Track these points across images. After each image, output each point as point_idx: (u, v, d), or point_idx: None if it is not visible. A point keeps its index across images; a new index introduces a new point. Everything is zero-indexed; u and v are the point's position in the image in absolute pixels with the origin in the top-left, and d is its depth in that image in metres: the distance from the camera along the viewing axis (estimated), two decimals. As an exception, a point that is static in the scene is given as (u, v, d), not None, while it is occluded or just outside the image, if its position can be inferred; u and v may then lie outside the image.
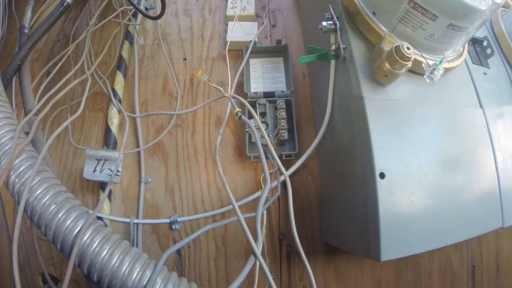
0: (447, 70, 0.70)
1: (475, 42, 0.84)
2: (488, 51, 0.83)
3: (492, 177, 0.71)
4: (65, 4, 0.91)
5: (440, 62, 0.63)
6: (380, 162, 0.61)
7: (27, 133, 0.74)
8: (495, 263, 0.97)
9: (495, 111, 0.76)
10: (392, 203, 0.60)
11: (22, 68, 0.84)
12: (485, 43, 0.84)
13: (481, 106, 0.74)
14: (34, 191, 0.65)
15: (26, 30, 0.89)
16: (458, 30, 0.64)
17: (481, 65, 0.81)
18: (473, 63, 0.80)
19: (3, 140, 0.66)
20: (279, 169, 0.74)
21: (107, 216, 0.85)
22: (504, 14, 0.89)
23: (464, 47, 0.76)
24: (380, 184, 0.60)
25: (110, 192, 0.90)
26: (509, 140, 0.76)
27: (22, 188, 0.65)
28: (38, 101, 0.81)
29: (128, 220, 0.85)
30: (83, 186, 0.92)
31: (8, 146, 0.66)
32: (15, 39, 1.05)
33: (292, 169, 0.76)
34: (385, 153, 0.62)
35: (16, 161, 0.67)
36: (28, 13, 0.92)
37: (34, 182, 0.65)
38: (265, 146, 0.75)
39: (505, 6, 0.92)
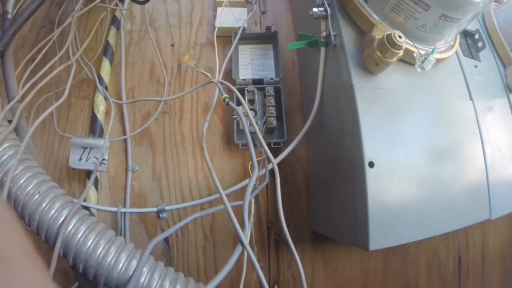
0: (438, 61, 0.69)
1: (466, 34, 0.84)
2: (480, 44, 0.83)
3: (481, 169, 0.71)
4: (50, -12, 0.89)
5: (432, 52, 0.63)
6: (369, 151, 0.61)
7: (10, 122, 0.72)
8: (481, 254, 0.98)
9: (484, 104, 0.76)
10: (380, 192, 0.60)
11: (5, 54, 0.82)
12: (476, 36, 0.84)
13: (471, 99, 0.75)
14: (17, 180, 0.64)
15: (9, 16, 0.86)
16: (450, 21, 0.63)
17: (472, 57, 0.81)
18: (464, 55, 0.80)
19: (-16, 128, 0.65)
20: (267, 157, 0.73)
21: (94, 206, 0.84)
22: (497, 8, 0.89)
23: (455, 39, 0.75)
24: (369, 173, 0.60)
25: (97, 181, 0.88)
26: (497, 133, 0.76)
27: (5, 177, 0.63)
28: (22, 88, 0.79)
29: (115, 209, 0.84)
30: (70, 175, 0.90)
31: (-10, 134, 0.64)
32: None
33: (280, 157, 0.75)
34: (375, 142, 0.61)
35: (-1, 150, 0.66)
36: (12, -2, 0.89)
37: (17, 172, 0.64)
38: (253, 133, 0.74)
39: (498, 1, 0.92)
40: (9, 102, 0.77)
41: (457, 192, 0.67)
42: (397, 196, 0.61)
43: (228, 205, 0.62)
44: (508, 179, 0.76)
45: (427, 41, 0.68)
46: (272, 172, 0.72)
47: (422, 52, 0.64)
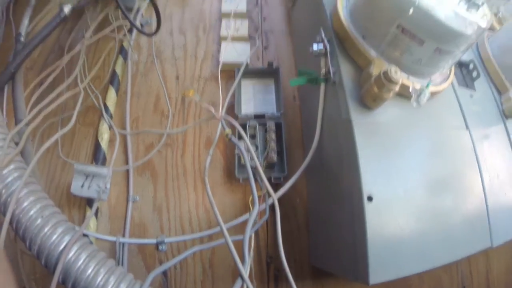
0: (434, 93, 0.71)
1: (461, 65, 0.86)
2: (474, 73, 0.84)
3: (480, 197, 0.72)
4: (62, 15, 0.92)
5: (427, 86, 0.64)
6: (368, 185, 0.62)
7: (16, 143, 0.73)
8: (485, 282, 0.98)
9: (481, 133, 0.77)
10: (380, 225, 0.61)
11: (15, 76, 0.84)
12: (471, 66, 0.85)
13: (467, 128, 0.76)
14: (21, 203, 0.64)
15: (22, 38, 0.89)
16: (444, 54, 0.66)
17: (467, 87, 0.83)
18: (459, 85, 0.81)
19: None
20: (267, 191, 0.74)
21: (93, 234, 0.84)
22: (490, 37, 0.91)
23: (450, 70, 0.77)
24: (368, 207, 0.61)
25: (97, 209, 0.89)
26: (495, 160, 0.77)
27: (9, 199, 0.64)
28: (30, 111, 0.81)
29: (114, 238, 0.84)
30: (70, 201, 0.91)
31: (-4, 154, 0.65)
32: (11, 46, 1.04)
33: (281, 191, 0.77)
34: (373, 176, 0.63)
35: (4, 171, 0.67)
36: (25, 21, 0.92)
37: (22, 194, 0.65)
38: (254, 168, 0.75)
39: (491, 29, 0.94)
40: (16, 122, 0.79)
41: (456, 222, 0.68)
42: (396, 229, 0.62)
43: (229, 239, 0.62)
44: (508, 205, 0.76)
45: (422, 74, 0.70)
46: (272, 207, 0.73)
47: (417, 87, 0.65)
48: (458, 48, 0.65)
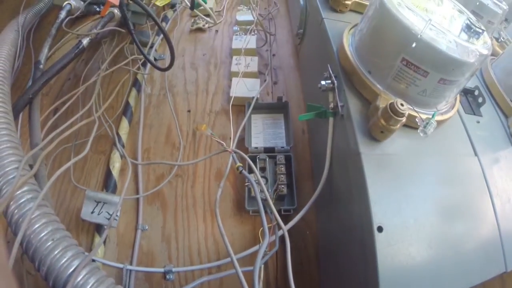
0: (440, 122, 0.72)
1: (466, 92, 0.87)
2: (480, 99, 0.85)
3: (491, 222, 0.70)
4: (80, 46, 0.96)
5: (433, 116, 0.65)
6: (378, 216, 0.61)
7: (30, 166, 0.74)
8: None
9: (490, 158, 0.77)
10: (391, 255, 0.60)
11: (33, 102, 0.86)
12: (476, 93, 0.86)
13: (476, 154, 0.75)
14: (32, 224, 0.65)
15: (41, 66, 0.91)
16: (449, 84, 0.67)
17: (474, 114, 0.83)
18: (466, 113, 0.82)
19: (8, 169, 0.67)
20: (277, 223, 0.75)
21: (101, 260, 0.84)
22: (493, 62, 0.92)
23: (456, 99, 0.78)
24: (378, 237, 0.60)
25: (106, 235, 0.89)
26: (505, 184, 0.76)
27: (20, 219, 0.64)
28: (45, 136, 0.82)
29: (121, 265, 0.84)
30: (78, 225, 0.91)
31: (12, 176, 0.67)
32: (28, 70, 1.08)
33: (291, 223, 0.77)
34: (383, 207, 0.62)
35: (18, 192, 0.67)
36: (45, 50, 0.95)
37: (34, 216, 0.65)
38: (264, 200, 0.76)
39: (493, 54, 0.95)
40: (31, 146, 0.80)
41: (469, 248, 0.66)
42: (408, 259, 0.61)
43: (239, 270, 0.62)
44: (521, 228, 0.75)
45: (428, 105, 0.71)
46: (282, 238, 0.74)
47: (424, 117, 0.66)
48: (462, 76, 0.67)
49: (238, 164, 0.81)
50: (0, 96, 0.80)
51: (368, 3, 0.92)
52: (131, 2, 1.10)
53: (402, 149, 0.70)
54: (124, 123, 1.07)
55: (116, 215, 0.83)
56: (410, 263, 0.61)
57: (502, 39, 1.00)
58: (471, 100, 0.86)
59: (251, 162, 0.81)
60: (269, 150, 1.01)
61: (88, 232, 0.91)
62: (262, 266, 0.82)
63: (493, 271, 0.68)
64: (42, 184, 0.75)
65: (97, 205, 0.85)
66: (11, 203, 0.65)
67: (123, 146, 1.02)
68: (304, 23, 1.20)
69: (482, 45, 0.66)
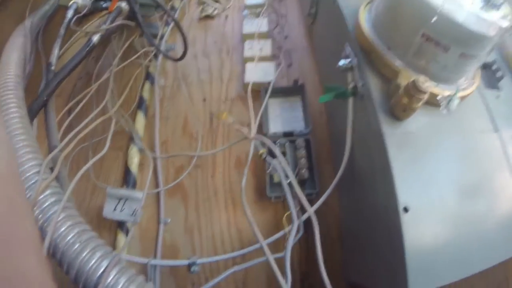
0: (461, 98, 0.69)
1: (485, 66, 0.83)
2: (498, 74, 0.82)
3: None
4: (91, 44, 0.95)
5: (456, 92, 0.63)
6: (403, 196, 0.60)
7: (51, 168, 0.75)
8: None
9: (510, 133, 0.74)
10: (417, 236, 0.59)
11: (48, 104, 0.86)
12: (494, 67, 0.83)
13: (496, 130, 0.73)
14: (58, 228, 0.64)
15: (53, 67, 0.91)
16: (470, 59, 0.65)
17: (493, 88, 0.80)
18: (485, 87, 0.79)
19: (28, 174, 0.67)
20: (304, 206, 0.73)
21: (125, 256, 0.84)
22: (510, 34, 0.89)
23: (475, 74, 0.75)
24: (404, 218, 0.59)
25: (128, 231, 0.89)
26: None
27: (45, 223, 0.64)
28: (61, 137, 0.82)
29: (145, 260, 0.84)
30: (100, 223, 0.91)
31: (33, 181, 0.66)
32: (38, 74, 1.08)
33: (317, 205, 0.75)
34: (407, 187, 0.61)
35: (41, 196, 0.67)
36: (56, 51, 0.94)
37: (59, 219, 0.65)
38: (289, 185, 0.75)
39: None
40: (49, 149, 0.80)
41: (491, 226, 0.65)
42: (433, 238, 0.60)
43: (271, 257, 0.62)
44: (544, 202, 0.73)
45: (449, 81, 0.69)
46: (305, 223, 0.73)
47: (446, 94, 0.65)
48: (482, 50, 0.65)
49: (262, 150, 0.80)
50: (15, 101, 0.80)
51: None
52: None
53: (423, 127, 0.68)
54: (140, 117, 1.07)
55: (140, 211, 0.83)
56: (436, 242, 0.60)
57: None
58: (490, 74, 0.83)
59: (274, 147, 0.79)
60: (287, 135, 0.99)
61: (110, 229, 0.92)
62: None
63: (515, 248, 0.67)
64: (64, 186, 0.75)
65: (119, 202, 0.85)
66: (35, 208, 0.65)
67: (140, 140, 1.02)
68: (315, 2, 1.16)
69: (503, 18, 0.63)
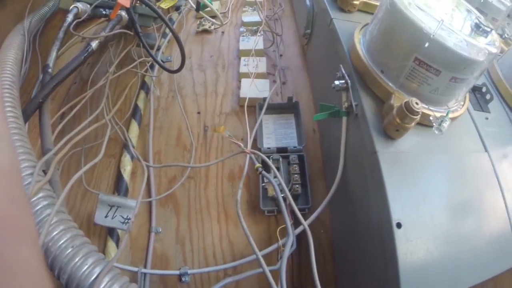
0: (451, 119, 0.72)
1: (474, 89, 0.88)
2: (488, 96, 0.86)
3: (503, 217, 0.71)
4: (89, 49, 0.95)
5: (447, 114, 0.66)
6: (396, 212, 0.62)
7: (44, 171, 0.74)
8: None
9: (499, 153, 0.78)
10: (410, 251, 0.60)
11: (43, 106, 0.85)
12: (484, 89, 0.87)
13: (486, 150, 0.76)
14: (50, 231, 0.64)
15: (50, 69, 0.91)
16: (460, 82, 0.68)
17: (482, 110, 0.84)
18: (474, 109, 0.83)
19: (22, 175, 0.66)
20: (294, 222, 0.74)
21: (115, 264, 0.83)
22: (499, 58, 0.93)
23: (465, 96, 0.79)
24: (398, 233, 0.60)
25: (118, 239, 0.89)
26: None
27: (37, 226, 0.64)
28: (55, 140, 0.82)
29: (136, 269, 0.83)
30: (90, 229, 0.91)
31: (26, 182, 0.66)
32: (34, 75, 1.07)
33: (310, 219, 0.77)
34: (400, 204, 0.63)
35: (34, 199, 0.66)
36: (53, 53, 0.94)
37: (52, 222, 0.64)
38: (283, 199, 0.76)
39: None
40: (43, 151, 0.79)
41: (482, 243, 0.67)
42: (426, 254, 0.62)
43: (266, 269, 0.62)
44: (532, 221, 0.76)
45: (440, 103, 0.72)
46: (298, 236, 0.74)
47: (438, 115, 0.67)
48: (472, 74, 0.68)
49: (258, 164, 0.82)
50: (10, 101, 0.79)
51: (376, 3, 0.94)
52: (138, 4, 1.10)
53: (415, 147, 0.71)
54: (134, 126, 1.07)
55: (130, 219, 0.83)
56: (428, 258, 0.62)
57: (506, 36, 1.01)
58: (479, 97, 0.87)
59: (270, 163, 0.81)
60: (281, 150, 1.00)
61: (100, 236, 0.90)
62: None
63: (505, 265, 0.69)
64: (56, 190, 0.74)
65: (110, 209, 0.84)
66: (27, 210, 0.64)
67: (133, 148, 1.01)
68: (311, 24, 1.20)
69: (491, 43, 0.67)
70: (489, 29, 0.68)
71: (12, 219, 0.32)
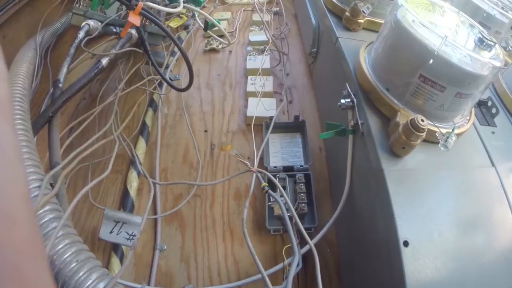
0: (458, 135, 0.72)
1: (480, 104, 0.87)
2: (493, 110, 0.85)
3: None
4: (100, 66, 0.96)
5: (453, 130, 0.66)
6: (403, 230, 0.61)
7: (51, 185, 0.74)
8: None
9: (507, 167, 0.76)
10: (417, 269, 0.60)
11: (52, 120, 0.86)
12: (489, 104, 0.86)
13: (493, 165, 0.75)
14: (56, 244, 0.64)
15: (60, 84, 0.92)
16: (465, 97, 0.68)
17: (488, 125, 0.83)
18: (480, 124, 0.82)
19: (29, 188, 0.67)
20: (300, 242, 0.74)
21: (119, 280, 0.83)
22: (504, 71, 0.92)
23: (471, 111, 0.79)
24: (405, 252, 0.60)
25: (122, 255, 0.88)
26: None
27: (43, 239, 0.64)
28: (63, 154, 0.83)
29: (139, 286, 0.83)
30: (94, 244, 0.90)
31: (34, 194, 0.66)
32: (44, 89, 1.08)
33: (317, 238, 0.76)
34: (407, 222, 0.62)
35: (40, 211, 0.67)
36: (64, 69, 0.95)
37: (58, 235, 0.65)
38: (290, 219, 0.76)
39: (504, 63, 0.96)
40: (51, 165, 0.80)
41: (491, 259, 0.66)
42: (434, 272, 0.61)
43: (272, 288, 0.62)
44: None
45: (445, 119, 0.72)
46: (304, 256, 0.73)
47: (443, 131, 0.67)
48: (477, 89, 0.68)
49: (264, 183, 0.82)
50: (21, 113, 0.80)
51: (380, 21, 0.95)
52: (147, 23, 1.12)
53: (421, 164, 0.70)
54: (141, 143, 1.08)
55: (135, 235, 0.82)
56: (436, 276, 0.61)
57: (510, 48, 1.01)
58: (484, 111, 0.87)
59: (276, 181, 0.81)
60: (287, 169, 1.00)
61: (104, 251, 0.90)
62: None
63: (515, 280, 0.68)
64: (62, 203, 0.75)
65: (116, 224, 0.84)
66: (34, 222, 0.65)
67: (140, 165, 1.02)
68: (317, 42, 1.21)
69: (495, 57, 0.67)
70: (492, 43, 0.68)
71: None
